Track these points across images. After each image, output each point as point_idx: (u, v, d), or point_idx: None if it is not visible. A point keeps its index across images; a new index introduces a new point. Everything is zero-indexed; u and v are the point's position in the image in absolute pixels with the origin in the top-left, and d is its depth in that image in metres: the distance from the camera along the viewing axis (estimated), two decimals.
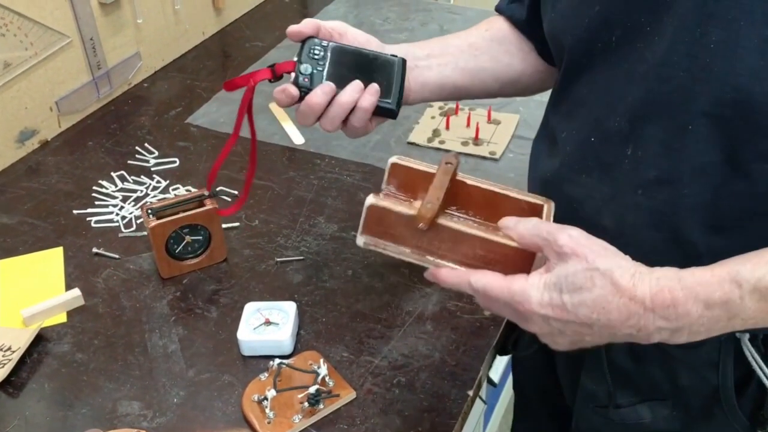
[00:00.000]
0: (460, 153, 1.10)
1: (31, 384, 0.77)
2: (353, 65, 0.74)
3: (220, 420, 0.74)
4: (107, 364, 0.79)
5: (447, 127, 1.15)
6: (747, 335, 0.66)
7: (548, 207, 0.63)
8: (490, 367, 0.83)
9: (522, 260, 0.59)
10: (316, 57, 0.75)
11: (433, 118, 1.18)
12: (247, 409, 0.73)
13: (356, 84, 0.72)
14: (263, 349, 0.79)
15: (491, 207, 0.65)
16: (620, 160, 0.62)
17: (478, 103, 1.21)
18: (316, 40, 0.77)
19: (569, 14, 0.66)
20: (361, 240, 0.63)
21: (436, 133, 1.14)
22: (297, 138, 1.15)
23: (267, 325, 0.80)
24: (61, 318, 0.85)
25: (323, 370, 0.75)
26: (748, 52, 0.53)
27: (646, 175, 0.61)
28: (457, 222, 0.61)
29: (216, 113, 1.21)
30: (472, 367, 0.79)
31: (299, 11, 1.57)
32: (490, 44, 0.82)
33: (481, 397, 1.35)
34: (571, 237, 0.55)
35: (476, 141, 1.13)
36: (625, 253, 0.58)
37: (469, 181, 0.65)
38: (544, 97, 1.24)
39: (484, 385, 1.35)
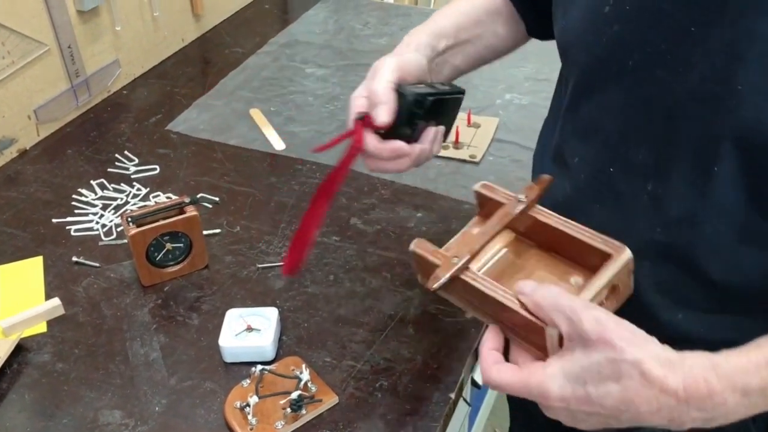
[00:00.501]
0: (441, 157, 1.11)
1: (11, 395, 0.77)
2: (431, 108, 0.70)
3: (202, 427, 0.74)
4: (88, 374, 0.79)
5: None
6: None
7: (621, 258, 0.57)
8: (472, 369, 0.83)
9: (532, 326, 0.55)
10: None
11: None
12: (229, 416, 0.73)
13: (436, 130, 0.71)
14: (245, 355, 0.79)
15: (558, 245, 0.62)
16: (639, 195, 0.61)
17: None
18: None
19: (584, 28, 0.63)
20: (421, 279, 0.65)
21: None
22: (278, 144, 1.15)
23: (249, 331, 0.80)
24: (41, 328, 0.84)
25: (305, 375, 0.75)
26: None
27: (668, 214, 0.60)
28: (477, 279, 0.59)
29: (196, 120, 1.21)
30: (453, 369, 0.79)
31: (279, 17, 1.57)
32: (493, 18, 0.81)
33: (465, 399, 1.36)
34: (598, 321, 0.50)
35: (456, 145, 1.13)
36: (638, 288, 0.58)
37: (540, 217, 0.63)
38: (524, 101, 1.26)
39: (468, 387, 1.35)
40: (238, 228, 0.99)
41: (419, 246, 0.63)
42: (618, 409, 0.49)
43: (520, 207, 0.63)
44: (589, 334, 0.49)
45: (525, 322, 0.55)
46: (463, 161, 1.11)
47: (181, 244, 0.89)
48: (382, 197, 1.04)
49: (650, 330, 0.57)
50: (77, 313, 0.86)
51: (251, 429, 0.72)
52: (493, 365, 0.55)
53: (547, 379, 0.51)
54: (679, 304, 0.62)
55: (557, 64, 1.38)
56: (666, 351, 0.50)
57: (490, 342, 0.57)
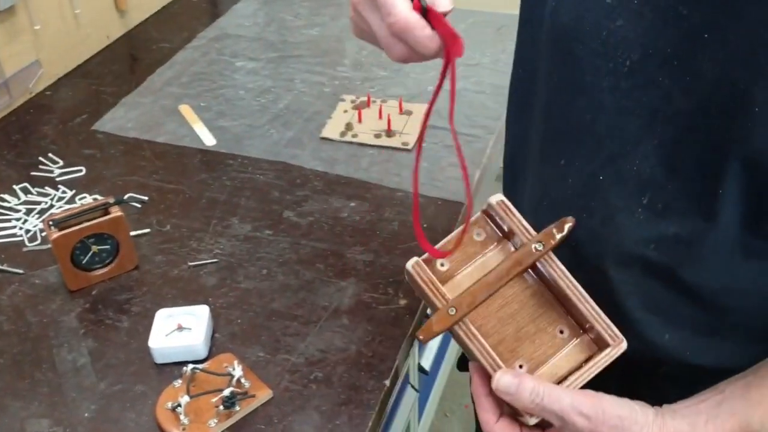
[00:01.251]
0: (373, 146, 1.11)
1: None
2: None
3: (133, 431, 0.72)
4: (13, 383, 0.77)
5: (359, 120, 1.15)
6: None
7: (617, 349, 0.58)
8: (407, 355, 0.84)
9: None
10: None
11: (345, 111, 1.18)
12: (160, 418, 0.72)
13: None
14: (176, 355, 0.78)
15: (558, 296, 0.60)
16: (633, 209, 0.57)
17: (390, 95, 1.22)
18: None
19: (581, 17, 0.56)
20: None
21: (348, 126, 1.14)
22: (208, 139, 1.13)
23: (179, 330, 0.79)
24: None
25: (238, 371, 0.74)
26: None
27: (664, 231, 0.56)
28: (471, 338, 0.58)
29: (123, 118, 1.18)
30: (388, 356, 0.79)
31: (208, 10, 1.55)
32: None
33: (413, 386, 1.37)
34: (590, 419, 0.53)
35: (389, 132, 1.13)
36: (624, 305, 0.58)
37: (551, 271, 0.59)
38: (456, 86, 1.26)
39: (415, 373, 1.36)
40: (168, 227, 0.97)
41: (417, 269, 0.59)
42: None
43: (536, 257, 0.58)
44: (582, 431, 0.53)
45: None
46: (396, 149, 1.11)
47: (108, 246, 0.87)
48: (315, 189, 1.03)
49: (635, 349, 0.59)
50: (1, 322, 0.84)
51: (183, 429, 0.71)
52: (495, 424, 0.57)
53: None
54: (667, 324, 0.60)
55: (488, 49, 1.38)
56: (649, 429, 0.53)
57: (481, 388, 0.58)
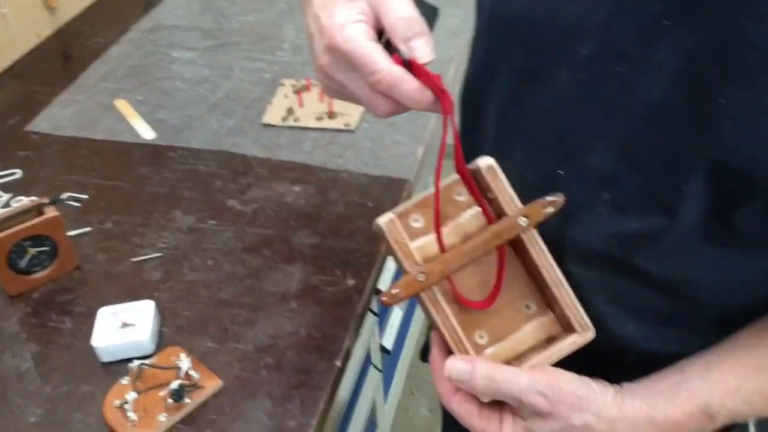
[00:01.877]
0: (315, 128, 1.10)
1: None
2: None
3: None
4: None
5: (300, 104, 1.14)
6: None
7: (584, 338, 0.56)
8: (357, 335, 0.84)
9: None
10: None
11: (286, 96, 1.17)
12: (108, 416, 0.71)
13: None
14: (122, 352, 0.77)
15: (532, 272, 0.58)
16: (594, 205, 0.55)
17: None
18: None
19: (536, 5, 0.54)
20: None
21: (290, 111, 1.13)
22: (147, 133, 1.11)
23: (124, 327, 0.78)
24: None
25: (185, 364, 0.73)
26: (761, 114, 0.45)
27: (626, 228, 0.54)
28: (436, 304, 0.55)
29: (58, 117, 1.15)
30: (338, 337, 0.79)
31: (142, 2, 1.51)
32: None
33: (375, 366, 1.37)
34: (547, 397, 0.52)
35: (330, 115, 1.12)
36: (588, 299, 0.56)
37: (531, 249, 0.56)
38: None
39: (378, 353, 1.37)
40: (109, 224, 0.95)
41: (390, 227, 0.55)
42: None
43: (517, 231, 0.55)
44: (541, 410, 0.52)
45: None
46: (338, 131, 1.10)
47: (47, 248, 0.85)
48: (259, 175, 1.02)
49: (600, 340, 0.57)
50: None
51: (132, 426, 0.70)
52: (453, 396, 0.56)
53: None
54: (631, 316, 0.59)
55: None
56: (608, 408, 0.53)
57: (440, 359, 0.56)
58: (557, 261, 0.56)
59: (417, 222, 0.57)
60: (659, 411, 0.53)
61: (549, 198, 0.55)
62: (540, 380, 0.53)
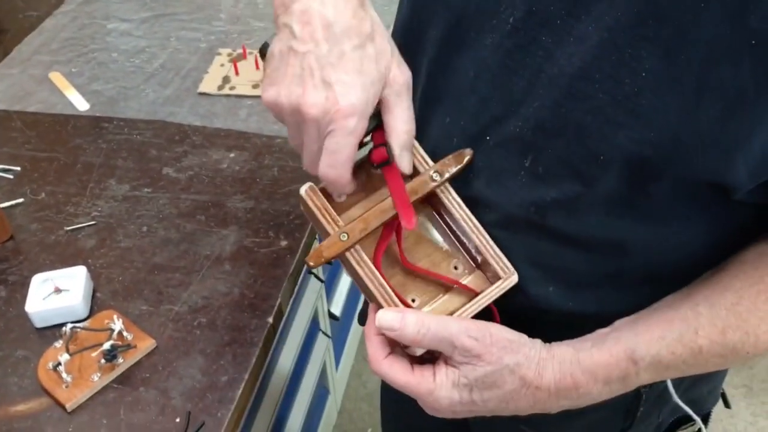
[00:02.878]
0: (251, 96, 1.11)
1: None
2: None
3: (16, 395, 0.72)
4: None
5: (236, 73, 1.15)
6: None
7: (508, 281, 0.58)
8: (291, 294, 0.86)
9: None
10: None
11: (222, 65, 1.17)
12: (42, 378, 0.72)
13: None
14: (56, 317, 0.78)
15: (454, 229, 0.60)
16: (516, 171, 0.55)
17: None
18: None
19: None
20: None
21: (226, 80, 1.14)
22: (81, 104, 1.11)
23: (57, 293, 0.79)
24: None
25: (118, 325, 0.75)
26: (684, 89, 0.46)
27: (544, 195, 0.54)
28: (362, 264, 0.56)
29: None
30: (270, 295, 0.81)
31: None
32: None
33: (324, 332, 1.40)
34: (477, 340, 0.53)
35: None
36: (510, 258, 0.57)
37: (447, 203, 0.58)
38: None
39: (326, 319, 1.39)
40: (43, 194, 0.95)
41: (310, 195, 0.56)
42: (499, 407, 0.55)
43: (431, 186, 0.57)
44: (472, 352, 0.53)
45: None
46: None
47: None
48: (194, 143, 1.03)
49: (521, 303, 0.59)
50: None
51: (66, 386, 0.71)
52: (384, 359, 0.55)
53: (438, 389, 0.54)
54: (550, 277, 0.60)
55: None
56: (538, 350, 0.55)
57: (374, 327, 0.55)
58: (480, 224, 0.58)
59: (340, 198, 0.58)
60: (585, 353, 0.54)
61: (458, 152, 0.57)
62: (471, 326, 0.54)
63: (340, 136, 0.51)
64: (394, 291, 0.56)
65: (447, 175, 0.57)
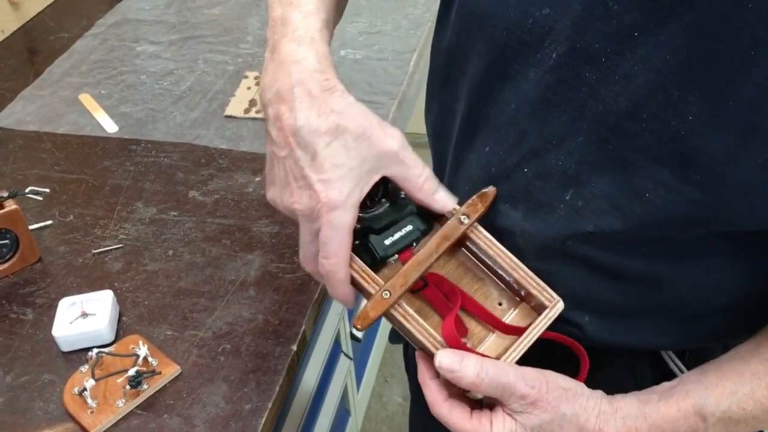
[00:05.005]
0: None
1: None
2: None
3: (42, 419, 0.73)
4: None
5: None
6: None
7: (554, 310, 0.57)
8: (315, 321, 0.86)
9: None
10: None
11: (249, 88, 1.18)
12: (68, 403, 0.73)
13: None
14: (82, 341, 0.78)
15: (491, 268, 0.59)
16: (555, 204, 0.55)
17: None
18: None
19: (507, 3, 0.54)
20: None
21: (252, 103, 1.15)
22: (110, 126, 1.12)
23: (83, 317, 0.79)
24: None
25: (143, 351, 0.75)
26: (731, 134, 0.46)
27: (582, 228, 0.54)
28: (409, 320, 0.55)
29: (21, 112, 1.16)
30: (295, 323, 0.81)
31: None
32: None
33: (345, 353, 1.39)
34: (534, 388, 0.52)
35: None
36: (550, 287, 0.57)
37: (479, 242, 0.58)
38: (357, 55, 1.27)
39: (348, 341, 1.39)
40: (71, 216, 0.96)
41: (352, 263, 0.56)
42: None
43: (462, 229, 0.57)
44: (527, 399, 0.52)
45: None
46: None
47: (7, 241, 0.87)
48: (220, 167, 1.04)
49: (567, 326, 0.58)
50: None
51: (91, 412, 0.72)
52: (444, 402, 0.55)
53: None
54: (586, 307, 0.59)
55: (390, 16, 1.40)
56: (599, 403, 0.54)
57: (427, 372, 0.56)
58: (516, 255, 0.58)
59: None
60: (652, 407, 0.53)
61: (481, 192, 0.58)
62: (528, 373, 0.53)
63: (327, 229, 0.53)
64: (451, 335, 0.54)
65: (476, 216, 0.57)
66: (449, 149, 0.65)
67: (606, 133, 0.50)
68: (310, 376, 1.09)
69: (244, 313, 0.82)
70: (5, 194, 0.86)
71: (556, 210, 0.55)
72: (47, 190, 1.00)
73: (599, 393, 0.55)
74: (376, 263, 0.57)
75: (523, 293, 0.59)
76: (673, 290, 0.56)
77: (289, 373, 0.77)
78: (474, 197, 0.58)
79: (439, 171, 0.69)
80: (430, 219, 0.59)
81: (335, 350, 1.31)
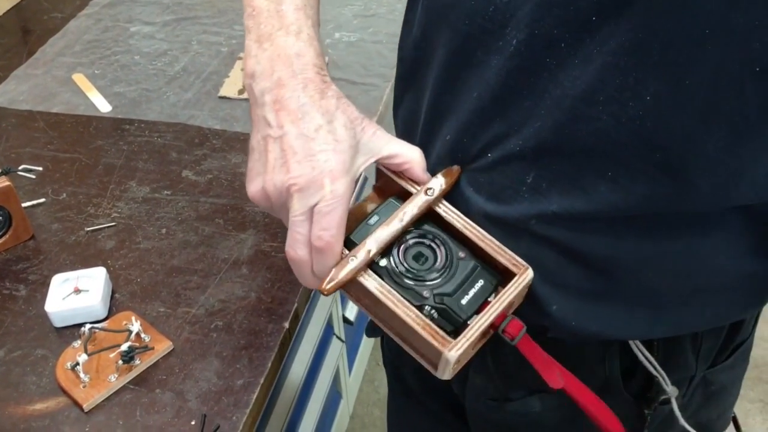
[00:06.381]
0: None
1: None
2: None
3: (34, 393, 0.73)
4: None
5: None
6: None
7: (524, 276, 0.56)
8: (308, 299, 0.86)
9: (434, 351, 0.54)
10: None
11: (242, 70, 1.18)
12: (60, 378, 0.73)
13: None
14: (75, 317, 0.78)
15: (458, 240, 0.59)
16: (518, 187, 0.56)
17: None
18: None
19: None
20: None
21: None
22: (103, 106, 1.12)
23: (76, 293, 0.80)
24: None
25: (136, 326, 0.75)
26: (689, 114, 0.46)
27: (546, 209, 0.55)
28: (378, 287, 0.55)
29: (14, 91, 1.15)
30: (287, 300, 0.82)
31: None
32: None
33: (338, 336, 1.40)
34: None
35: None
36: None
37: (446, 217, 0.58)
38: (352, 38, 1.27)
39: (340, 324, 1.40)
40: (64, 195, 0.96)
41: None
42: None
43: (428, 200, 0.58)
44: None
45: (423, 342, 0.54)
46: None
47: (0, 218, 0.87)
48: (214, 147, 1.04)
49: (535, 316, 0.58)
50: None
51: (84, 386, 0.72)
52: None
53: None
54: (555, 293, 0.59)
55: (385, 0, 1.39)
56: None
57: None
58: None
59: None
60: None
61: (446, 170, 0.59)
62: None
63: (330, 197, 0.53)
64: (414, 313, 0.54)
65: (440, 188, 0.58)
66: (416, 141, 0.65)
67: (563, 117, 0.51)
68: (302, 358, 1.09)
69: (236, 291, 0.83)
70: None
71: (518, 192, 0.56)
72: (40, 169, 1.00)
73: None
74: (458, 326, 0.55)
75: (492, 263, 0.59)
76: (640, 276, 0.56)
77: (281, 350, 0.78)
78: (438, 174, 0.59)
79: None
80: (496, 271, 0.58)
81: (327, 333, 1.31)
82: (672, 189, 0.50)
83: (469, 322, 0.55)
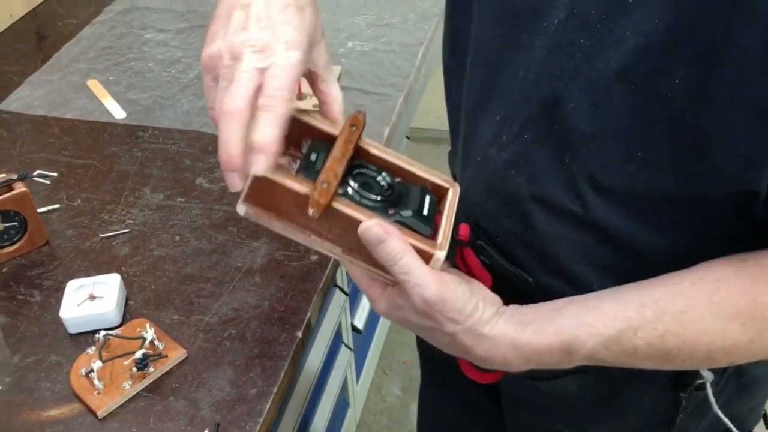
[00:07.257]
0: None
1: None
2: None
3: (49, 400, 0.73)
4: None
5: None
6: None
7: (453, 191, 0.58)
8: (320, 308, 0.86)
9: (425, 256, 0.54)
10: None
11: None
12: (74, 384, 0.73)
13: None
14: (89, 324, 0.79)
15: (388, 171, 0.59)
16: (555, 167, 0.57)
17: None
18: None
19: None
20: (241, 209, 0.55)
21: None
22: (118, 113, 1.12)
23: (91, 300, 0.80)
24: None
25: (150, 334, 0.76)
26: (715, 100, 0.48)
27: (584, 189, 0.56)
28: (352, 206, 0.54)
29: (30, 97, 1.16)
30: (300, 310, 0.82)
31: None
32: None
33: (346, 345, 1.40)
34: (428, 305, 0.54)
35: (299, 96, 1.14)
36: (558, 253, 0.60)
37: (372, 150, 0.58)
38: (365, 47, 1.28)
39: (349, 333, 1.40)
40: (79, 201, 0.97)
41: (275, 171, 0.53)
42: (421, 334, 0.59)
43: (356, 135, 0.57)
44: (417, 307, 0.54)
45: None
46: (307, 111, 1.12)
47: (15, 223, 0.87)
48: None
49: (577, 294, 0.59)
50: None
51: (98, 393, 0.72)
52: (382, 294, 0.57)
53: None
54: (596, 273, 0.61)
55: (398, 9, 1.40)
56: (479, 327, 0.56)
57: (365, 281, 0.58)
58: (526, 222, 0.60)
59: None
60: (523, 339, 0.56)
61: (354, 113, 0.58)
62: (432, 286, 0.53)
63: (284, 61, 0.51)
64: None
65: (360, 126, 0.57)
66: (460, 122, 0.68)
67: (596, 98, 0.52)
68: (311, 366, 1.09)
69: (249, 300, 0.83)
70: (14, 176, 0.87)
71: (556, 173, 0.57)
72: (55, 174, 1.01)
73: (488, 314, 0.57)
74: (423, 220, 0.56)
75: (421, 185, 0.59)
76: (674, 259, 0.57)
77: (294, 359, 0.78)
78: (350, 115, 0.58)
79: (454, 145, 0.72)
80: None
81: (336, 341, 1.31)
82: (697, 170, 0.51)
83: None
